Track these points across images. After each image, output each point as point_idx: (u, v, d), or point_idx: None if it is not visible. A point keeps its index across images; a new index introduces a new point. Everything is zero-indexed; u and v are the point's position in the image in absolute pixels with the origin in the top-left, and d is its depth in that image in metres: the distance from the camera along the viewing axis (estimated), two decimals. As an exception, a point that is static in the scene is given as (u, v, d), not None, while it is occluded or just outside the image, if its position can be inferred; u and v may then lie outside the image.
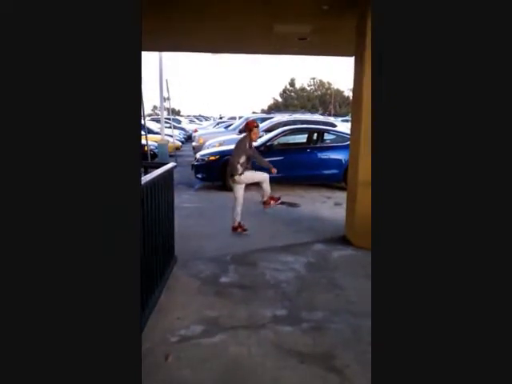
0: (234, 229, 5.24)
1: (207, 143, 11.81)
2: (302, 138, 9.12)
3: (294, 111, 37.67)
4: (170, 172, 3.74)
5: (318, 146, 8.74)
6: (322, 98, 59.21)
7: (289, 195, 7.62)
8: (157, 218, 3.23)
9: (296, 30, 4.48)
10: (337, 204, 6.94)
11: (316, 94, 61.59)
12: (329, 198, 7.58)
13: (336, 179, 8.33)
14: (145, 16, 3.88)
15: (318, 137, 8.86)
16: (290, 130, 9.06)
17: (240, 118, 18.19)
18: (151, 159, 10.79)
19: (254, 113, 41.37)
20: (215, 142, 11.34)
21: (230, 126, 16.54)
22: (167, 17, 4.47)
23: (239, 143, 5.13)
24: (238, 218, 5.22)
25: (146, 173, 3.93)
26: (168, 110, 16.45)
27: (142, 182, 2.62)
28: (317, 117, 16.60)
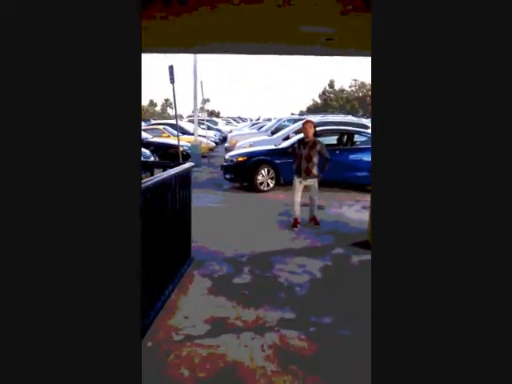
0: (314, 221, 5.68)
1: (238, 144, 11.89)
2: (333, 140, 8.94)
3: (333, 113, 37.26)
4: (187, 172, 3.77)
5: (348, 147, 8.57)
6: (363, 100, 58.16)
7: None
8: (168, 218, 3.27)
9: (321, 31, 4.42)
10: (364, 207, 6.77)
11: (357, 95, 60.61)
12: (357, 201, 7.41)
13: (367, 182, 8.14)
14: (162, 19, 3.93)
15: (348, 139, 8.68)
16: (320, 131, 8.92)
17: (274, 119, 18.15)
18: (184, 159, 10.96)
19: (292, 114, 41.28)
20: (246, 143, 11.40)
21: (262, 127, 16.56)
22: (188, 17, 4.52)
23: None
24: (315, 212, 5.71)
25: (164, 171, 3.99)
26: (206, 110, 16.72)
27: (148, 183, 2.66)
28: (349, 118, 16.19)
